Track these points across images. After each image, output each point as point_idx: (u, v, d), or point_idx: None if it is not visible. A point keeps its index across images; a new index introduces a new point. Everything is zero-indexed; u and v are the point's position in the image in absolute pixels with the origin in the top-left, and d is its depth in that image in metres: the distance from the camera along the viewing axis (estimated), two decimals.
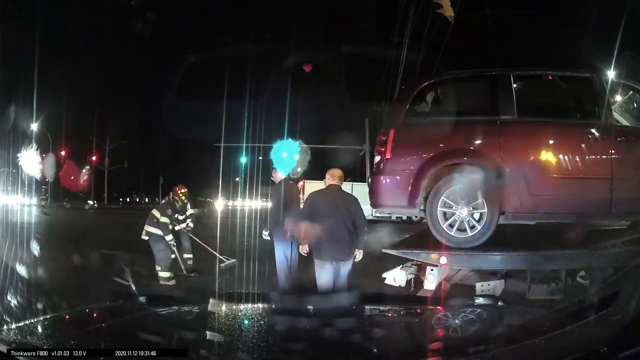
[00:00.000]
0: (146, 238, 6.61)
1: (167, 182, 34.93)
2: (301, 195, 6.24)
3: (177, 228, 7.03)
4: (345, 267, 4.38)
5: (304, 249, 4.48)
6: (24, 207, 20.66)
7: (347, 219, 4.31)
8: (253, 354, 1.60)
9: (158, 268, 6.45)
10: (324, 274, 4.32)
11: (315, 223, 4.24)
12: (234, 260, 7.09)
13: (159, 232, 6.56)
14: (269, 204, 6.24)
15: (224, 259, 7.20)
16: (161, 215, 6.67)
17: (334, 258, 4.31)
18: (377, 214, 14.58)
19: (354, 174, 24.22)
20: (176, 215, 7.08)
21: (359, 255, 4.42)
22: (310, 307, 2.93)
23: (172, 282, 6.48)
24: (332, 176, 4.54)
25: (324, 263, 4.32)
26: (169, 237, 6.62)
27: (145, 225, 6.67)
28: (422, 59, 9.12)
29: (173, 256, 6.74)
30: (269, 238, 5.55)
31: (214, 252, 7.25)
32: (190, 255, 7.25)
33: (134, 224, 7.16)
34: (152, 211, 6.86)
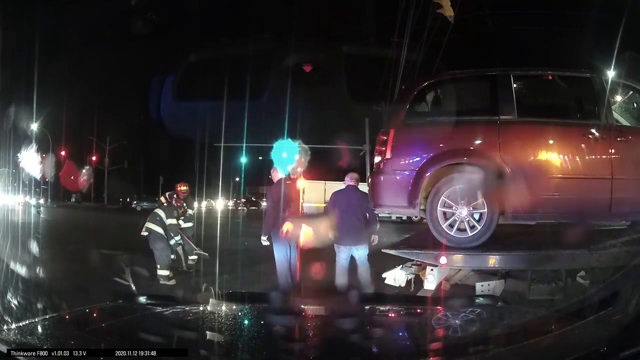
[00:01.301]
0: (145, 234, 6.70)
1: (167, 182, 34.90)
2: (302, 195, 6.27)
3: (183, 225, 7.24)
4: (361, 251, 5.26)
5: (332, 236, 5.35)
6: (30, 207, 20.69)
7: (359, 213, 5.25)
8: (253, 354, 1.60)
9: (158, 267, 6.50)
10: (341, 256, 5.31)
11: (336, 216, 5.25)
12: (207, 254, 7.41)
13: (160, 230, 6.63)
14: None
15: (201, 252, 7.42)
16: (167, 217, 6.75)
17: (348, 243, 5.25)
18: (378, 214, 14.57)
19: None
20: (181, 219, 7.20)
21: (375, 239, 5.38)
22: (310, 307, 2.93)
23: (172, 282, 6.51)
24: (350, 178, 5.53)
25: (342, 247, 5.29)
26: (178, 237, 6.81)
27: (147, 222, 6.76)
28: (422, 59, 9.10)
29: (173, 257, 6.80)
30: (267, 243, 5.54)
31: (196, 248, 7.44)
32: (195, 257, 7.43)
33: (134, 224, 7.19)
34: (156, 210, 6.96)
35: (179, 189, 7.30)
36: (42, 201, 23.37)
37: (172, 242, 6.81)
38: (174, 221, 6.80)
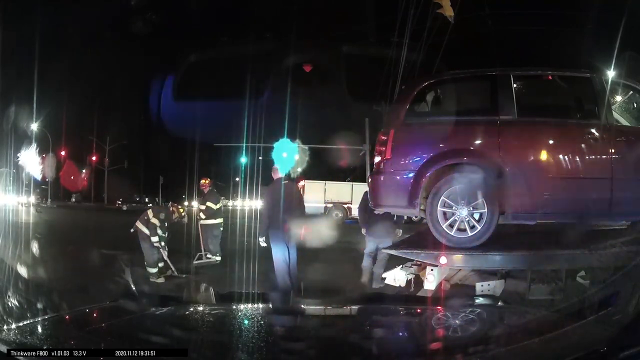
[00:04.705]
0: (132, 230, 6.88)
1: (167, 182, 34.92)
2: (303, 195, 6.40)
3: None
4: (386, 243, 5.96)
5: (364, 231, 6.40)
6: (34, 207, 20.74)
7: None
8: (253, 354, 1.60)
9: (145, 264, 6.60)
10: (370, 246, 6.31)
11: (370, 212, 6.02)
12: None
13: (144, 229, 6.73)
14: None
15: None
16: (152, 216, 6.89)
17: (379, 236, 6.16)
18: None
19: (354, 174, 24.22)
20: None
21: (400, 232, 6.38)
22: (309, 307, 2.93)
23: (161, 280, 6.63)
24: None
25: (374, 239, 6.23)
26: (155, 239, 6.75)
27: (137, 221, 6.93)
28: (422, 59, 9.09)
29: (156, 256, 6.79)
30: (265, 244, 5.53)
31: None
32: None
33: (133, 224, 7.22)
34: (147, 210, 7.18)
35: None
36: (33, 200, 23.50)
37: (155, 242, 6.78)
38: (156, 221, 6.85)
